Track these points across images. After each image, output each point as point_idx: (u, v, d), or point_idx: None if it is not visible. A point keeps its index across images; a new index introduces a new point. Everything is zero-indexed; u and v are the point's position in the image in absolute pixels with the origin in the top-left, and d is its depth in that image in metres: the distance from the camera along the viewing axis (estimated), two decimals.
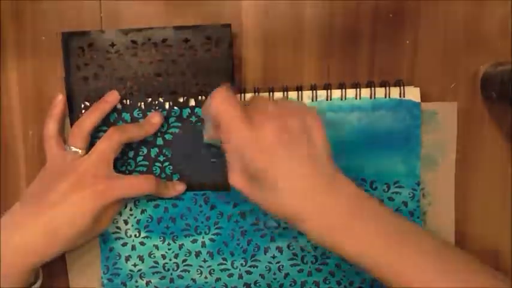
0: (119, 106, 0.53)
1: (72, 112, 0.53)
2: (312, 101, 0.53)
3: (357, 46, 0.54)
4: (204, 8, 0.54)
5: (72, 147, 0.50)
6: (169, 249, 0.55)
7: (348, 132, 0.53)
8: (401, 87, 0.52)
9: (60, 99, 0.52)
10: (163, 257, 0.55)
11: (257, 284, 0.55)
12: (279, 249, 0.55)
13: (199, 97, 0.53)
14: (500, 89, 0.51)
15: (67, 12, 0.54)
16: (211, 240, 0.55)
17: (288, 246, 0.55)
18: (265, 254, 0.55)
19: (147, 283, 0.56)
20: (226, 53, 0.52)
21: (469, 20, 0.53)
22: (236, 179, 0.45)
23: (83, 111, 0.53)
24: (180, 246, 0.55)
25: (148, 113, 0.53)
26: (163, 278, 0.56)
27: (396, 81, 0.53)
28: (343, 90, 0.53)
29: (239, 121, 0.43)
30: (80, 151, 0.50)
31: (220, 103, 0.44)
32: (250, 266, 0.55)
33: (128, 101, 0.53)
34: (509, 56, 0.52)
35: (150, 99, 0.53)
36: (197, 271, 0.55)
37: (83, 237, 0.50)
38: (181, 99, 0.53)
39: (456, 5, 0.52)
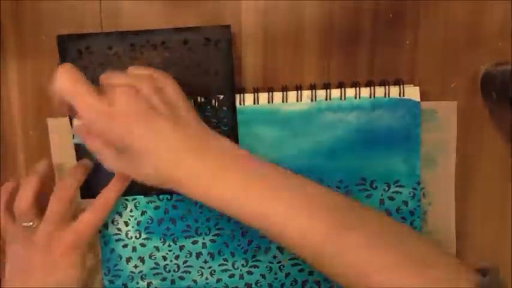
0: None
1: (71, 116, 0.53)
2: (312, 100, 0.53)
3: (357, 46, 0.54)
4: (204, 8, 0.54)
5: (24, 223, 0.50)
6: (170, 251, 0.55)
7: (347, 132, 0.53)
8: (401, 87, 0.53)
9: (44, 164, 0.52)
10: (164, 258, 0.55)
11: (258, 284, 0.55)
12: (280, 249, 0.55)
13: (199, 99, 0.53)
14: (500, 89, 0.51)
15: (67, 13, 0.54)
16: (212, 241, 0.55)
17: None
18: (266, 254, 0.55)
19: (148, 284, 0.55)
20: (226, 54, 0.52)
21: (469, 20, 0.53)
22: (108, 160, 0.45)
23: None
24: (181, 248, 0.55)
25: None
26: (164, 279, 0.55)
27: (396, 81, 0.53)
28: (343, 89, 0.53)
29: (89, 96, 0.42)
30: (32, 223, 0.50)
31: (66, 81, 0.42)
32: (251, 266, 0.55)
33: None
34: (509, 56, 0.52)
35: None
36: (198, 272, 0.55)
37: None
38: None
39: (456, 5, 0.53)
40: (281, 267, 0.55)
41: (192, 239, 0.55)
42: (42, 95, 0.54)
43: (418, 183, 0.54)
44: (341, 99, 0.53)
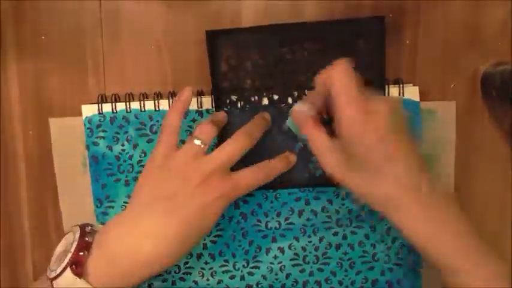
0: (266, 102, 0.53)
1: (218, 107, 0.53)
2: None
3: None
4: (205, 8, 0.54)
5: (197, 140, 0.47)
6: None
7: None
8: (401, 86, 0.53)
9: (187, 93, 0.48)
10: None
11: (259, 285, 0.55)
12: (281, 250, 0.55)
13: None
14: (500, 88, 0.51)
15: (67, 12, 0.54)
16: (213, 242, 0.55)
17: (290, 247, 0.55)
18: (266, 255, 0.55)
19: (149, 286, 0.55)
20: (379, 47, 0.52)
21: (469, 20, 0.53)
22: (331, 164, 0.45)
23: (229, 106, 0.53)
24: None
25: None
26: (165, 280, 0.55)
27: (395, 80, 0.53)
28: None
29: (358, 105, 0.42)
30: (202, 145, 0.47)
31: (343, 77, 0.43)
32: (252, 267, 0.55)
33: (276, 96, 0.53)
34: (509, 56, 0.53)
35: (296, 93, 0.53)
36: (199, 273, 0.55)
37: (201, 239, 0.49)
38: None
39: (456, 5, 0.53)
40: (282, 268, 0.55)
41: None
42: (42, 94, 0.54)
43: None
44: None
